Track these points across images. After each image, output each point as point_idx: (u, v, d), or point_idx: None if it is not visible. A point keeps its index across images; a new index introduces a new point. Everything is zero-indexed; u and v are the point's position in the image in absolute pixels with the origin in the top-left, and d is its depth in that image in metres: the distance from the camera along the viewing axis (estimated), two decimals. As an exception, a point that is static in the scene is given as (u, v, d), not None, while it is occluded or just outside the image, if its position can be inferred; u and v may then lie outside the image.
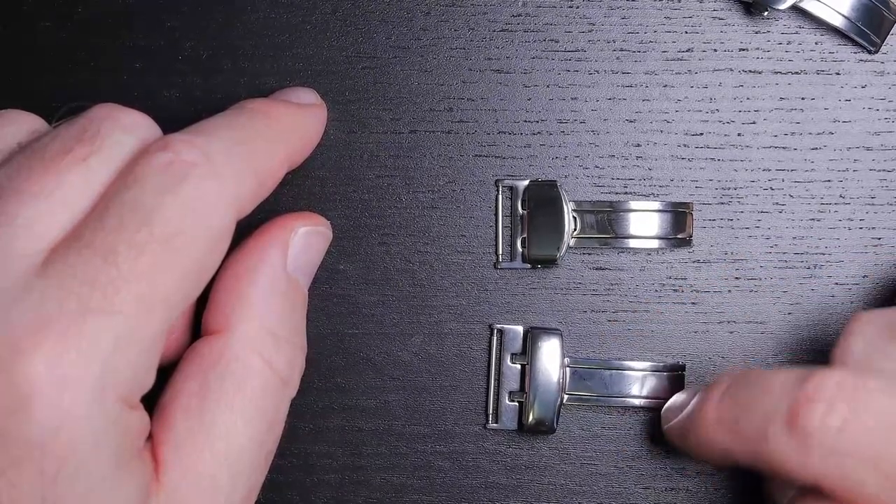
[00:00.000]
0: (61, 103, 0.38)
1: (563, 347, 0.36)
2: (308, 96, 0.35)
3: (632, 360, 0.37)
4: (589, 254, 0.37)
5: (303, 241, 0.33)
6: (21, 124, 0.31)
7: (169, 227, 0.27)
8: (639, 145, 0.38)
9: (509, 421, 0.37)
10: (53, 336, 0.26)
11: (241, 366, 0.30)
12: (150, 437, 0.29)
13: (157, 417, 0.30)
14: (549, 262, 0.37)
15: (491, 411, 0.37)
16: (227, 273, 0.32)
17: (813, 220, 0.37)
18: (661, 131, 0.38)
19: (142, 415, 0.28)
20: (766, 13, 0.37)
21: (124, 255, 0.27)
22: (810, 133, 0.38)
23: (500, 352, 0.37)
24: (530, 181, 0.37)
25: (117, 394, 0.27)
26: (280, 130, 0.32)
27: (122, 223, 0.27)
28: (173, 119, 0.37)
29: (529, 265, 0.37)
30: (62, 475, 0.26)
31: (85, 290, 0.26)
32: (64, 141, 0.29)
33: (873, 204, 0.37)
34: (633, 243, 0.37)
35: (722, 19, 0.38)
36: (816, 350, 0.37)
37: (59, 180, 0.28)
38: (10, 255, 0.27)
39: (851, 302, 0.37)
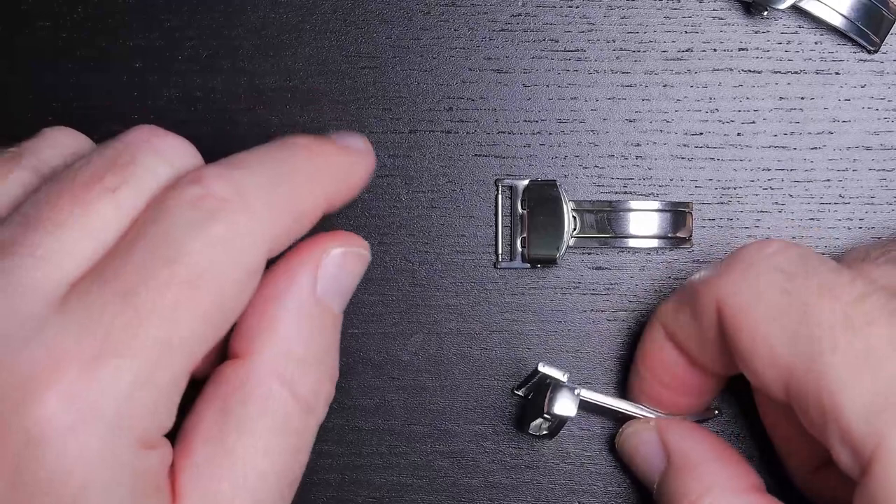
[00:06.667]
0: (60, 103, 0.38)
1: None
2: (357, 142, 0.34)
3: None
4: (589, 253, 0.37)
5: (336, 262, 0.31)
6: (63, 145, 0.30)
7: (194, 266, 0.27)
8: (639, 145, 0.38)
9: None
10: (67, 377, 0.25)
11: (263, 392, 0.29)
12: (171, 464, 0.28)
13: (179, 443, 0.29)
14: (549, 262, 0.37)
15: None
16: (255, 295, 0.30)
17: (813, 219, 0.37)
18: (661, 131, 0.38)
19: (161, 451, 0.28)
20: (765, 13, 0.37)
21: (144, 297, 0.26)
22: (810, 133, 0.38)
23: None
24: (530, 181, 0.37)
25: (133, 436, 0.26)
26: (321, 169, 0.31)
27: (145, 260, 0.27)
28: (173, 119, 0.38)
29: (529, 265, 0.37)
30: None
31: (101, 330, 0.26)
32: (95, 168, 0.28)
33: (873, 204, 0.37)
34: (632, 243, 0.37)
35: (722, 19, 0.38)
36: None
37: (85, 210, 0.27)
38: (29, 289, 0.26)
39: (851, 301, 0.37)
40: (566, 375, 0.34)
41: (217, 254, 0.27)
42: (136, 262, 0.27)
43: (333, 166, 0.31)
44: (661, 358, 0.35)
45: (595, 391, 0.36)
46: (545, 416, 0.34)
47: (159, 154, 0.29)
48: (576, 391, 0.34)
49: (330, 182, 0.31)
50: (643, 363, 0.35)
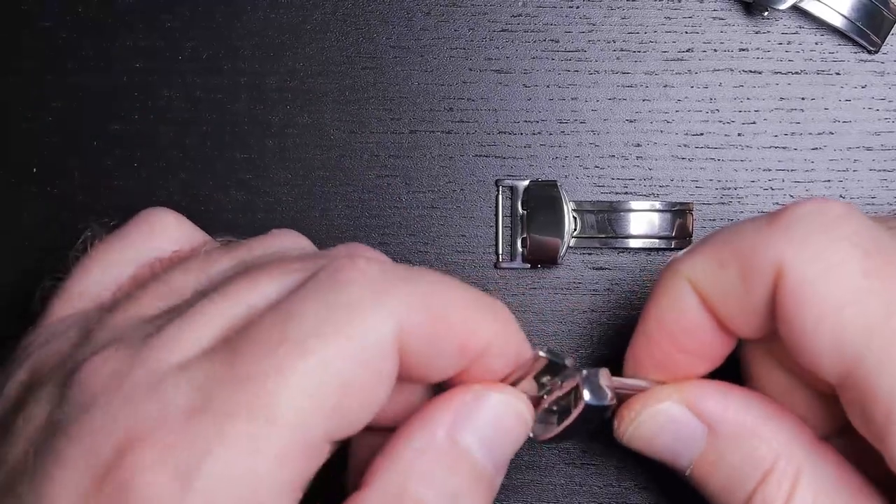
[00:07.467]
0: (60, 103, 0.38)
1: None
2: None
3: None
4: (589, 254, 0.37)
5: (493, 410, 0.29)
6: (277, 244, 0.31)
7: (302, 329, 0.26)
8: (639, 145, 0.38)
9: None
10: (164, 433, 0.25)
11: None
12: None
13: None
14: (550, 263, 0.37)
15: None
16: (394, 432, 0.29)
17: (813, 220, 0.37)
18: (661, 131, 0.38)
19: None
20: (766, 13, 0.37)
21: (247, 360, 0.26)
22: (810, 133, 0.38)
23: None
24: (530, 181, 0.37)
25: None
26: (481, 307, 0.29)
27: (262, 321, 0.27)
28: (173, 119, 0.38)
29: (530, 265, 0.37)
30: None
31: (200, 393, 0.26)
32: (284, 257, 0.30)
33: (873, 204, 0.37)
34: (633, 243, 0.37)
35: (722, 19, 0.38)
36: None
37: (251, 282, 0.28)
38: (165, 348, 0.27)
39: (852, 302, 0.37)
40: (571, 360, 0.31)
41: (328, 318, 0.26)
42: (254, 327, 0.27)
43: (502, 312, 0.30)
44: (684, 319, 0.30)
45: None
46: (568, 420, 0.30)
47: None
48: (600, 376, 0.30)
49: (494, 315, 0.29)
50: (659, 325, 0.31)
